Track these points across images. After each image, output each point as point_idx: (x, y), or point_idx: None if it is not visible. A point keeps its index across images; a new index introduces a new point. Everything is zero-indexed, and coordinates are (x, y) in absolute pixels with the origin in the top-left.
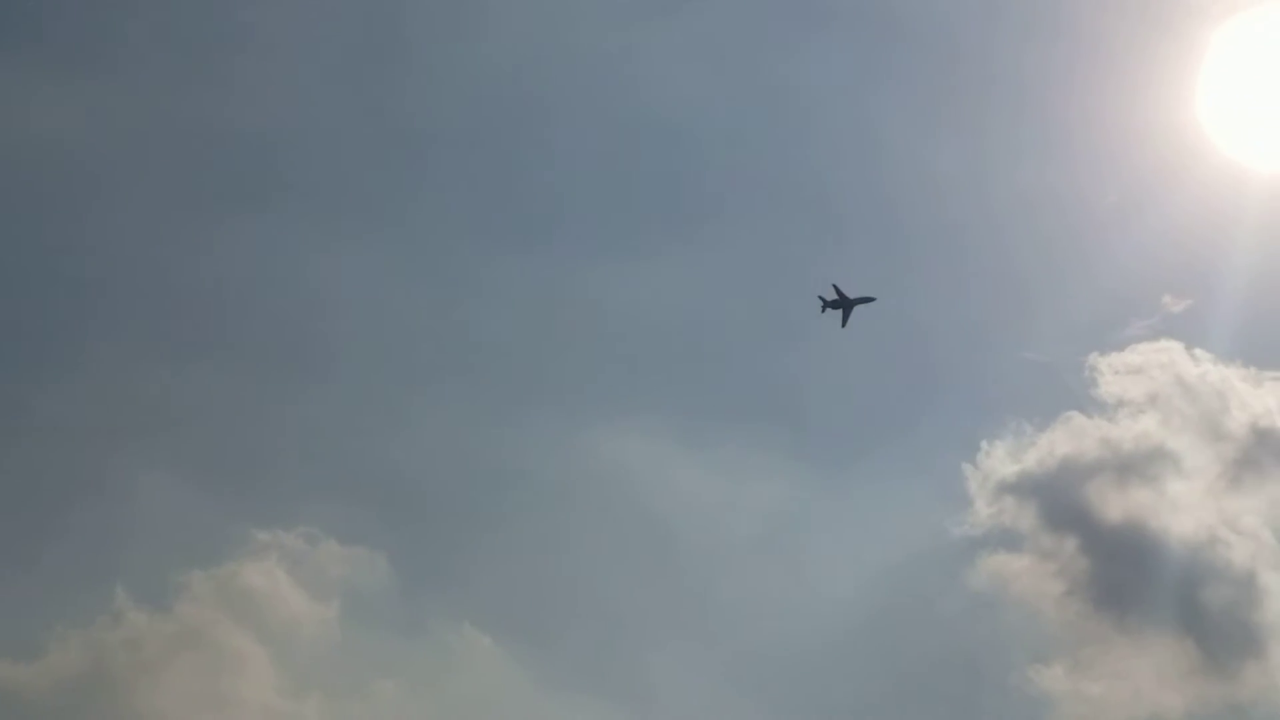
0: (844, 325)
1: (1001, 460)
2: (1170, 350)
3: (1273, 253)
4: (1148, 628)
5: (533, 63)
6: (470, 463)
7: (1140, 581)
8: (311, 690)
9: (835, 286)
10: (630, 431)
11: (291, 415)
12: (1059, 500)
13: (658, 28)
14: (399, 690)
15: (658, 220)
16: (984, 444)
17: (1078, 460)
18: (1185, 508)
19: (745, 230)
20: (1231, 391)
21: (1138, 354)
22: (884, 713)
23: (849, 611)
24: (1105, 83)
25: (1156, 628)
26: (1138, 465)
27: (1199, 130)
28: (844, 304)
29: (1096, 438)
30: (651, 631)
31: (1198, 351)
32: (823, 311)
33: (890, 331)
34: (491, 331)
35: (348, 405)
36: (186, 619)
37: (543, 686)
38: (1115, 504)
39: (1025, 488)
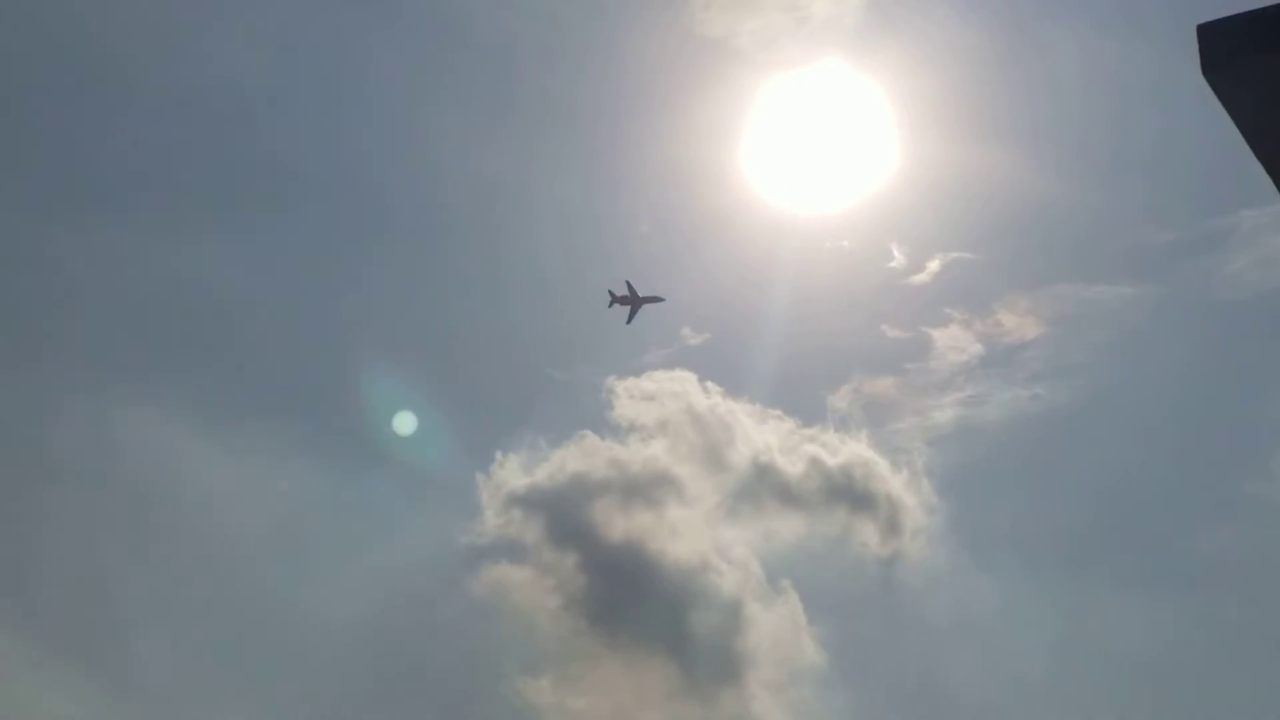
0: (629, 322)
1: (514, 472)
2: (684, 380)
3: (791, 295)
4: (636, 647)
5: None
6: None
7: (634, 602)
8: None
9: (628, 283)
10: (143, 406)
11: None
12: (564, 516)
13: (214, 7)
14: None
15: (199, 201)
16: (499, 455)
17: (587, 478)
18: (683, 533)
19: (292, 220)
20: (738, 425)
21: (653, 381)
22: (370, 713)
23: (347, 611)
24: (652, 118)
25: (644, 647)
26: (643, 488)
27: (739, 173)
28: (633, 301)
29: (607, 458)
30: (142, 612)
31: (710, 384)
32: (609, 306)
33: (420, 335)
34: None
35: None
36: None
37: (22, 661)
38: (618, 524)
39: (534, 501)
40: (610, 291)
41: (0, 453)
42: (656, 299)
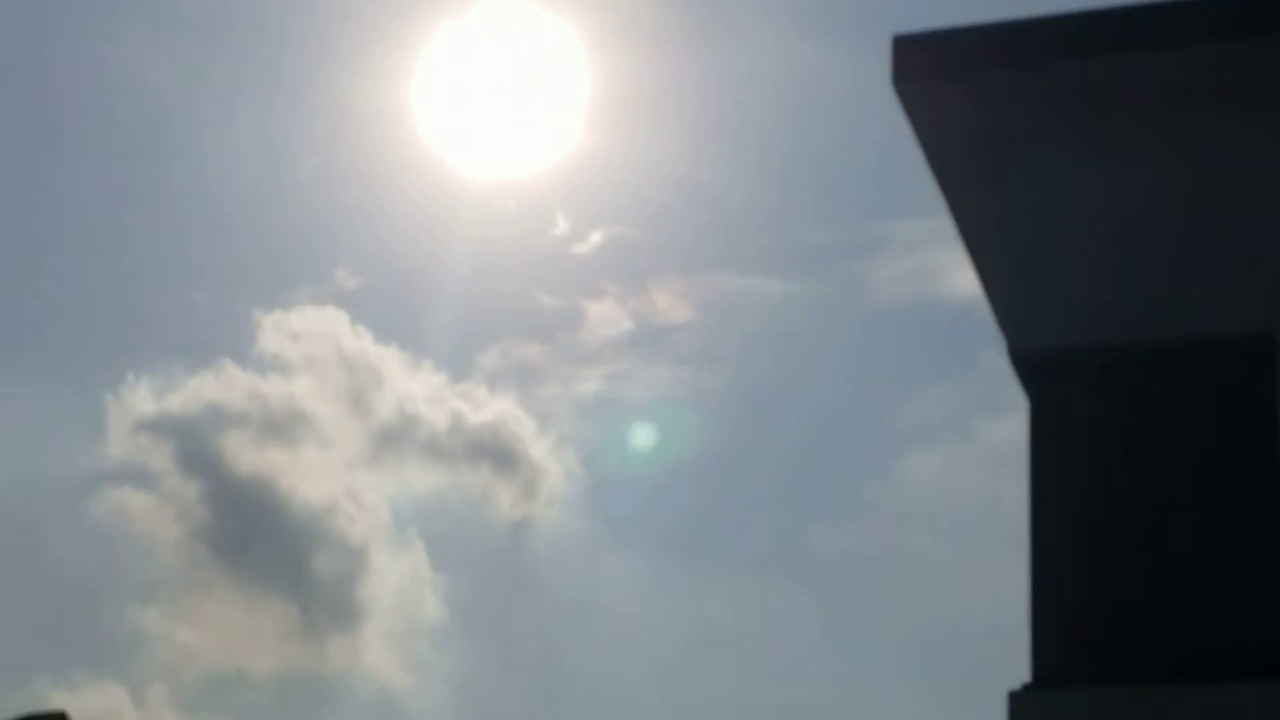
0: None
1: (145, 396)
2: (335, 320)
3: (452, 250)
4: (255, 585)
5: None
6: None
7: (258, 539)
8: None
9: None
10: None
11: None
12: (195, 445)
13: None
14: None
15: None
16: (131, 376)
17: (222, 409)
18: (317, 475)
19: None
20: (386, 371)
21: (303, 318)
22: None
23: None
24: (327, 50)
25: (263, 586)
26: (280, 425)
27: (412, 118)
28: None
29: (245, 390)
30: None
31: (360, 328)
32: None
33: (66, 248)
34: None
35: None
36: None
37: None
38: (250, 458)
39: (164, 427)
40: None
41: None
42: None
